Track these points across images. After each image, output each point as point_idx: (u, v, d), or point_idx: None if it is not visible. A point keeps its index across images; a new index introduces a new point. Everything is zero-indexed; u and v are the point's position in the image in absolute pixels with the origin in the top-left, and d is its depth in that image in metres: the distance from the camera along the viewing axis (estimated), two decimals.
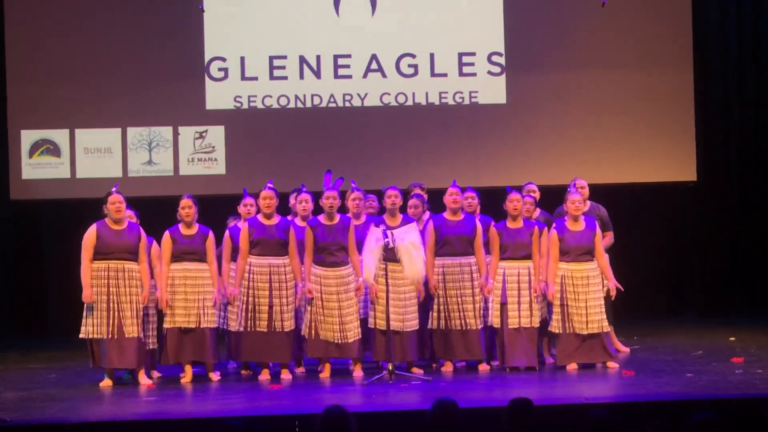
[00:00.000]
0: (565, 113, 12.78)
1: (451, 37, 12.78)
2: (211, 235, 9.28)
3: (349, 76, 12.74)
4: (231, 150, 12.64)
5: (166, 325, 9.14)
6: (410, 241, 9.02)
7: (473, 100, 12.79)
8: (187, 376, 9.15)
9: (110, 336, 8.88)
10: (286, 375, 9.15)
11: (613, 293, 9.38)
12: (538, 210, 10.01)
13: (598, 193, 10.76)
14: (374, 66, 12.75)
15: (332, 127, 12.71)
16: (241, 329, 9.13)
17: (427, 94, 12.77)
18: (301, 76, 12.72)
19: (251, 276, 9.13)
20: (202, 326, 9.12)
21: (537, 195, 10.00)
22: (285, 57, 12.72)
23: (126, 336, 8.90)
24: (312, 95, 12.72)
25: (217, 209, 10.55)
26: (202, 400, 8.33)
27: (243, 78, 12.69)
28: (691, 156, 12.90)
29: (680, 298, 13.60)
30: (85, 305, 8.95)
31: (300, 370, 9.55)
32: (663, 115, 12.83)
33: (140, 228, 9.16)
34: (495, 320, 9.30)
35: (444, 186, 9.58)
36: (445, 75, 12.79)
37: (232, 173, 12.57)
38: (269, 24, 12.73)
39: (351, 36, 12.75)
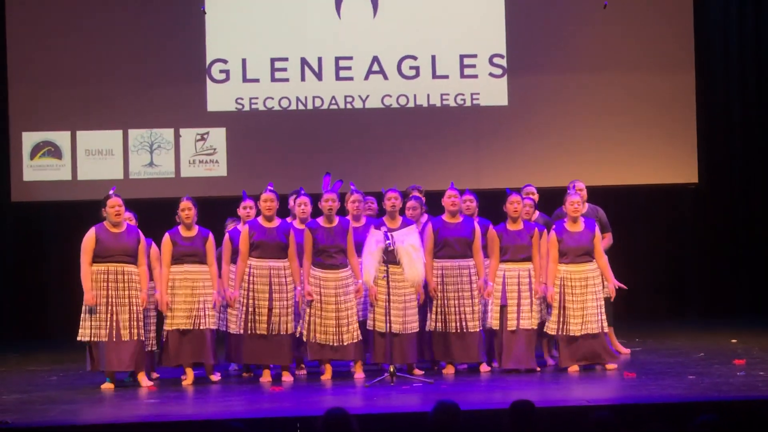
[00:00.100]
0: (567, 115, 12.78)
1: (452, 38, 12.78)
2: (211, 236, 9.27)
3: (351, 78, 12.74)
4: (232, 152, 12.64)
5: (166, 327, 9.13)
6: (410, 243, 9.02)
7: (475, 102, 12.78)
8: (188, 378, 9.14)
9: (109, 339, 8.88)
10: (287, 377, 9.14)
11: (613, 294, 9.37)
12: (537, 212, 10.01)
13: (599, 194, 10.75)
14: (376, 68, 12.74)
15: (334, 129, 12.71)
16: (241, 332, 9.12)
17: (428, 95, 12.77)
18: (303, 78, 12.71)
19: (251, 279, 9.12)
20: (202, 328, 9.11)
21: (536, 197, 10.01)
22: (286, 59, 12.72)
23: (125, 339, 8.90)
24: (313, 97, 12.72)
25: (218, 211, 10.55)
26: (204, 402, 8.32)
27: (244, 80, 12.69)
28: (692, 158, 12.89)
29: (682, 300, 13.59)
30: (83, 308, 8.94)
31: (301, 372, 9.55)
32: (664, 117, 12.82)
33: (139, 230, 9.16)
34: (494, 322, 9.29)
35: (445, 188, 9.58)
36: (446, 77, 12.78)
37: (234, 175, 12.56)
38: (270, 26, 12.73)
39: (352, 38, 12.74)
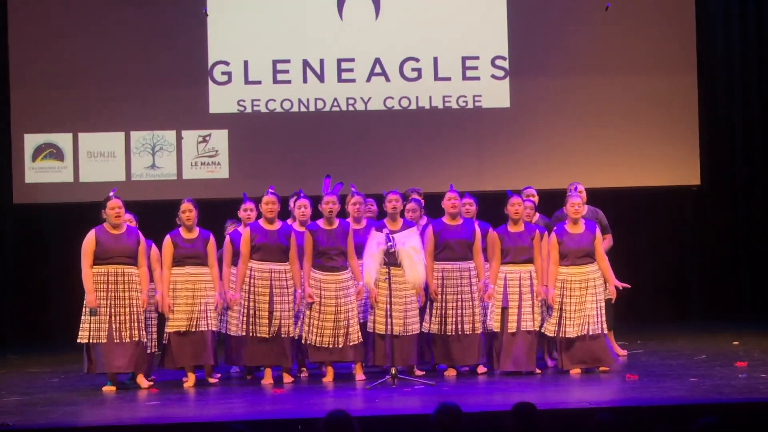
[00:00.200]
0: (569, 117, 12.78)
1: (454, 40, 12.78)
2: (212, 238, 9.27)
3: (353, 80, 12.74)
4: (234, 154, 12.64)
5: (167, 329, 9.13)
6: (411, 245, 9.02)
7: (477, 104, 12.78)
8: (189, 380, 9.14)
9: (109, 340, 8.88)
10: (288, 379, 9.13)
11: (613, 296, 9.35)
12: (538, 214, 10.00)
13: (602, 196, 10.76)
14: (378, 70, 12.74)
15: (335, 131, 12.70)
16: (242, 334, 9.12)
17: (430, 98, 12.77)
18: (305, 80, 12.71)
19: (252, 281, 9.11)
20: (203, 330, 9.10)
21: (536, 199, 10.00)
22: (288, 61, 12.72)
23: (125, 340, 8.90)
24: (315, 99, 12.72)
25: (219, 213, 10.55)
26: (205, 404, 8.32)
27: (246, 82, 12.69)
28: (694, 160, 12.88)
29: (684, 303, 13.58)
30: (84, 309, 8.94)
31: (303, 374, 9.54)
32: (666, 119, 12.82)
33: (139, 232, 9.17)
34: (495, 324, 9.28)
35: (446, 190, 9.56)
36: (448, 79, 12.78)
37: (236, 177, 12.56)
38: (272, 28, 12.73)
39: (354, 40, 12.74)
